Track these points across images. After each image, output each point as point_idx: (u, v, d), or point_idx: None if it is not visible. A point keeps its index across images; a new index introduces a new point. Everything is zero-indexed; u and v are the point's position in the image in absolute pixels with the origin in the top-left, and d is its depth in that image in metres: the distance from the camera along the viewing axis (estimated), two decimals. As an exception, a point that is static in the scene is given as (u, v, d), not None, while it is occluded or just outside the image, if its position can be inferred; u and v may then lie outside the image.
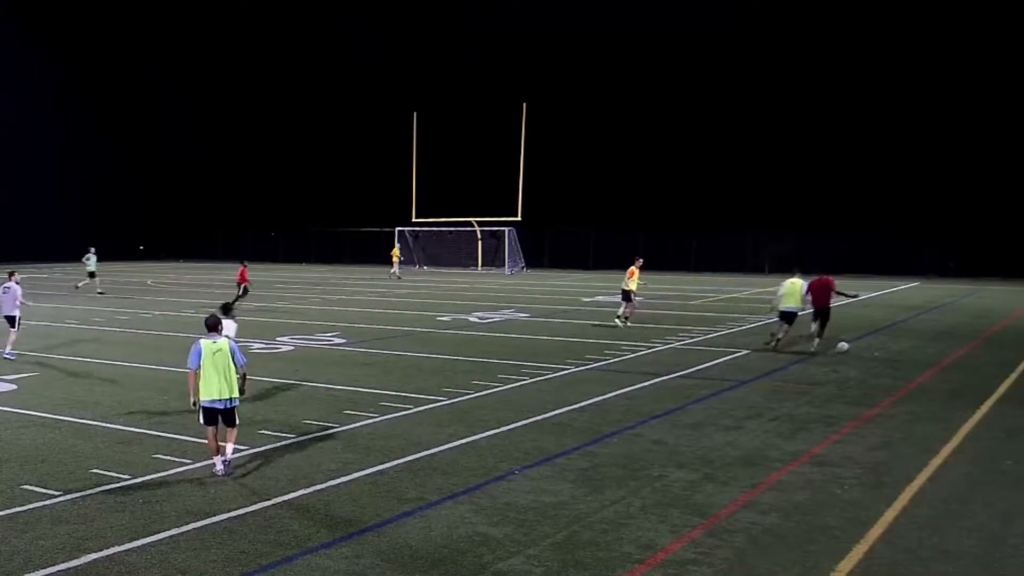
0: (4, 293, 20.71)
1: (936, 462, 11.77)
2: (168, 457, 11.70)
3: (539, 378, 17.71)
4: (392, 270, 52.27)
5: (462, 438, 12.74)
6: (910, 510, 9.90)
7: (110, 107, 73.65)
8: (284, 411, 14.53)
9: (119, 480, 10.73)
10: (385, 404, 14.99)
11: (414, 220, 62.48)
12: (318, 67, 70.93)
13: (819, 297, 22.02)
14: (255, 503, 9.94)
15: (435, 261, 58.78)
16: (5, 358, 19.87)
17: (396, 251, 54.68)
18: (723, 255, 56.45)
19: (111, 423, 13.66)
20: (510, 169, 58.78)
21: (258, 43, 73.08)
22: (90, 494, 10.24)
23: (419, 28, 66.85)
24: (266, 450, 12.15)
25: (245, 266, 35.59)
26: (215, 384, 10.90)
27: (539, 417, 14.17)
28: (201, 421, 11.06)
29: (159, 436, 12.84)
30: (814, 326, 21.93)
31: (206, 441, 11.14)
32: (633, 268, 27.40)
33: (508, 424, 13.65)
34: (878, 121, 53.71)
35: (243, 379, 11.25)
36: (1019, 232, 50.46)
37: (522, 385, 17.01)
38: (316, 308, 32.92)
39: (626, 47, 60.29)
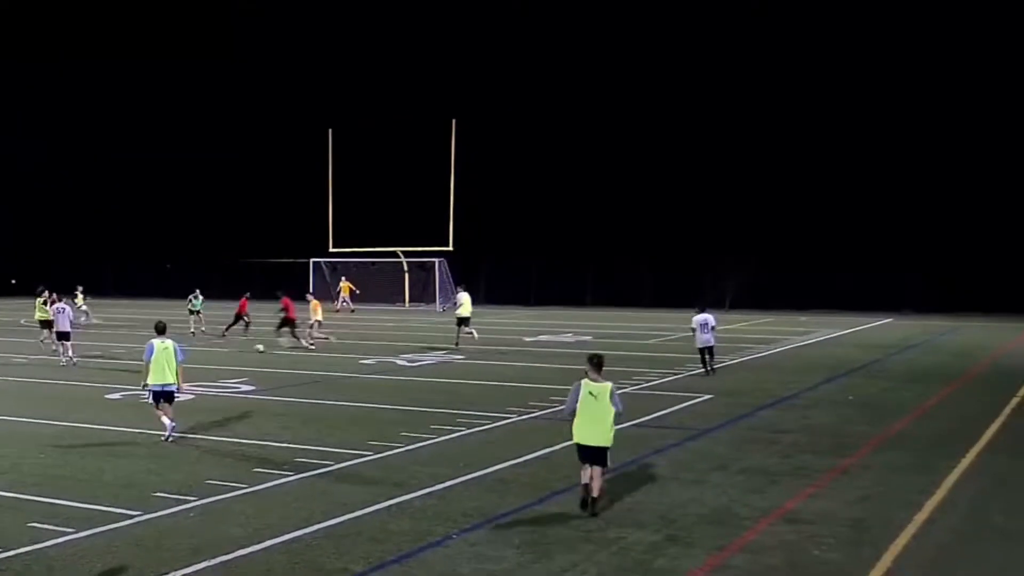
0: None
1: (921, 517, 11.89)
2: (46, 526, 11.35)
3: (478, 428, 17.64)
4: (338, 303, 55.68)
5: (391, 498, 12.59)
6: (895, 572, 9.97)
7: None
8: (184, 470, 14.26)
9: (-10, 553, 10.39)
10: (302, 460, 14.80)
11: (331, 250, 62.06)
12: (219, 77, 70.40)
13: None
14: (152, 577, 9.70)
15: (356, 297, 58.43)
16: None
17: (346, 284, 56.86)
18: (680, 291, 56.87)
19: (-20, 486, 13.26)
20: (440, 193, 58.75)
21: (148, 48, 72.29)
22: (-45, 570, 9.90)
23: (334, 34, 66.75)
24: (163, 515, 11.87)
25: (247, 298, 37.96)
26: (162, 373, 16.24)
27: (479, 473, 14.09)
28: (150, 400, 16.47)
29: (35, 501, 12.47)
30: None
31: (81, 506, 10.87)
32: (314, 301, 35.32)
33: (443, 481, 13.53)
34: (845, 149, 54.78)
35: (181, 372, 16.57)
36: (998, 266, 51.71)
37: (459, 436, 16.93)
38: (220, 350, 32.43)
39: (573, 59, 60.80)
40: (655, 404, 20.48)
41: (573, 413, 12.20)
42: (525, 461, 14.94)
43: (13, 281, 73.97)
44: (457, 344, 33.60)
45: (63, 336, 28.24)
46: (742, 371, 27.13)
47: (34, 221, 76.22)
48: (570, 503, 12.48)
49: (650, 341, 35.81)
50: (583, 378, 12.30)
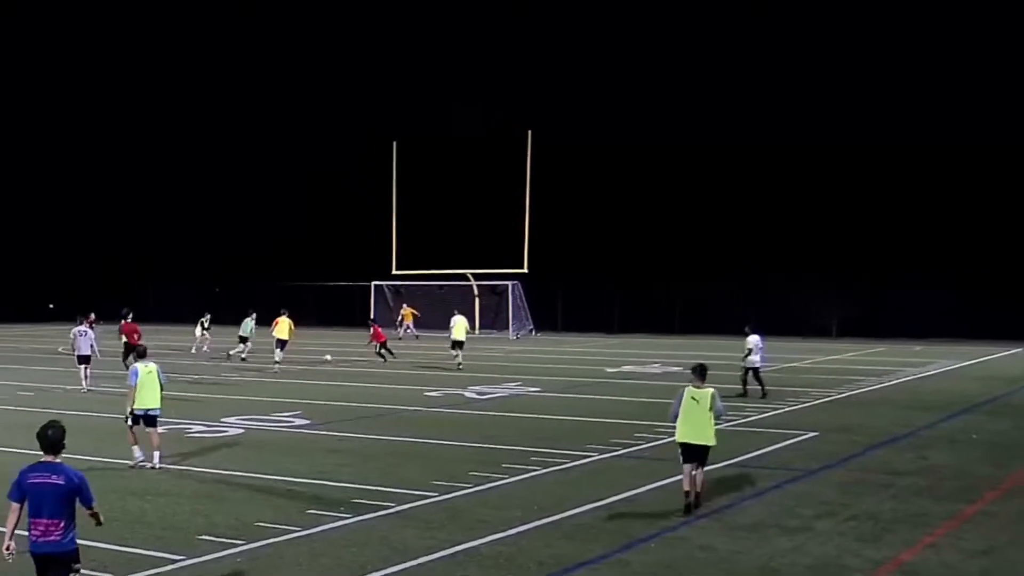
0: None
1: (1056, 572, 11.62)
2: (83, 571, 11.40)
3: (554, 467, 17.57)
4: (401, 331, 56.08)
5: (458, 544, 12.53)
6: (1030, 634, 9.69)
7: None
8: (232, 511, 14.33)
9: (21, 600, 10.49)
10: (360, 501, 14.81)
11: (394, 272, 62.41)
12: (270, 85, 71.23)
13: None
14: (194, 628, 9.73)
15: (421, 323, 58.67)
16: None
17: (409, 311, 57.20)
18: (779, 317, 56.25)
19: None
20: (514, 211, 58.83)
21: (195, 55, 73.51)
22: (-16, 617, 10.00)
23: (398, 38, 67.25)
24: (208, 560, 11.93)
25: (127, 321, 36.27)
26: (144, 397, 17.48)
27: (555, 517, 13.99)
28: (129, 423, 17.46)
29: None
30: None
31: (121, 550, 10.98)
32: (280, 319, 37.54)
33: (516, 526, 13.46)
34: (964, 158, 53.87)
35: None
36: None
37: (533, 476, 16.86)
38: (272, 380, 32.71)
39: (661, 65, 60.47)
40: (753, 442, 20.23)
41: (676, 417, 14.56)
42: (607, 504, 14.81)
43: (51, 306, 75.51)
44: (459, 367, 36.71)
45: (84, 360, 29.66)
46: (851, 406, 26.76)
47: (72, 244, 77.56)
48: (657, 552, 12.34)
49: (746, 372, 35.41)
50: (687, 386, 14.68)
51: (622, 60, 61.41)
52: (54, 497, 8.45)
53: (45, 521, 8.42)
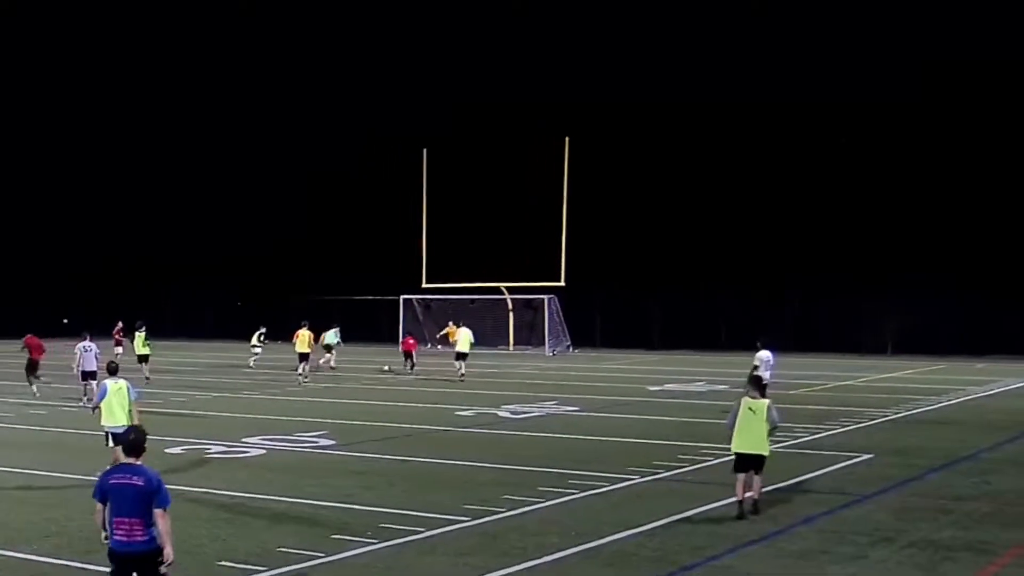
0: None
1: None
2: (97, 597, 11.47)
3: (592, 491, 17.49)
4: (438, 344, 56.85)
5: (491, 572, 12.48)
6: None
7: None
8: (253, 536, 14.34)
9: (31, 628, 10.51)
10: (387, 526, 14.77)
11: (424, 286, 62.48)
12: (287, 87, 71.43)
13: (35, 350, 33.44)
14: (212, 659, 9.70)
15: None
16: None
17: (453, 328, 56.39)
18: (832, 330, 55.88)
19: (20, 551, 13.48)
20: (550, 221, 58.80)
21: (209, 57, 73.92)
22: (-9, 647, 10.02)
23: (429, 41, 67.38)
24: (228, 588, 11.92)
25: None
26: (112, 414, 18.06)
27: (594, 543, 13.91)
28: (110, 443, 17.77)
29: (84, 570, 12.62)
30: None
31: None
32: (300, 332, 38.62)
33: (552, 553, 13.38)
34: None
35: (136, 412, 18.24)
36: None
37: (570, 500, 16.79)
38: (295, 399, 32.76)
39: (706, 66, 60.33)
40: (804, 465, 20.06)
41: (732, 427, 15.77)
42: (649, 530, 14.71)
43: (65, 320, 75.94)
44: (462, 377, 38.99)
45: (89, 376, 30.72)
46: (908, 427, 26.55)
47: (83, 255, 77.99)
48: (702, 581, 12.23)
49: (795, 391, 35.13)
50: (743, 397, 15.91)
51: (661, 67, 61.19)
52: (135, 497, 9.13)
53: (127, 521, 9.12)
